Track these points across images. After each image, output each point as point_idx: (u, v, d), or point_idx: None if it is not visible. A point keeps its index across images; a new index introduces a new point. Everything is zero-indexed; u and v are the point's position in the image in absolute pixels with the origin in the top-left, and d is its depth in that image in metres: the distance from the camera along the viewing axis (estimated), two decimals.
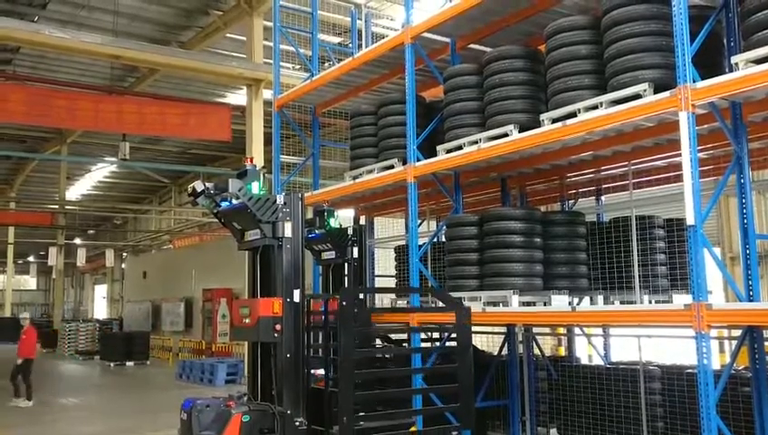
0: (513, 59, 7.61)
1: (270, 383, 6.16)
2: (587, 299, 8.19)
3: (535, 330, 9.76)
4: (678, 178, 6.73)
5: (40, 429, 11.78)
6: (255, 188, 6.30)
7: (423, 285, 8.88)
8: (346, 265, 8.37)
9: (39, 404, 14.73)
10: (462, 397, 6.15)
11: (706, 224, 5.56)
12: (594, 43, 6.76)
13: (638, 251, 7.55)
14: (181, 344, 25.91)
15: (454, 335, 6.67)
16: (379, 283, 11.31)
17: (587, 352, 11.48)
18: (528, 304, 7.65)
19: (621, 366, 8.50)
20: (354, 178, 9.62)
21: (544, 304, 7.62)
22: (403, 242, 10.73)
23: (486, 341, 11.23)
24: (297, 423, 5.92)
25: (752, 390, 6.22)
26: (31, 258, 53.46)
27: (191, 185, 6.39)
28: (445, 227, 8.82)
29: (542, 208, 9.66)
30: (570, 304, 7.65)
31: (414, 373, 8.09)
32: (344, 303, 5.64)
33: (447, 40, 8.83)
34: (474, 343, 8.73)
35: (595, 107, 6.44)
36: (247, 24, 17.81)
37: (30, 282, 59.49)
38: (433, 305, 8.81)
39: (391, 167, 8.97)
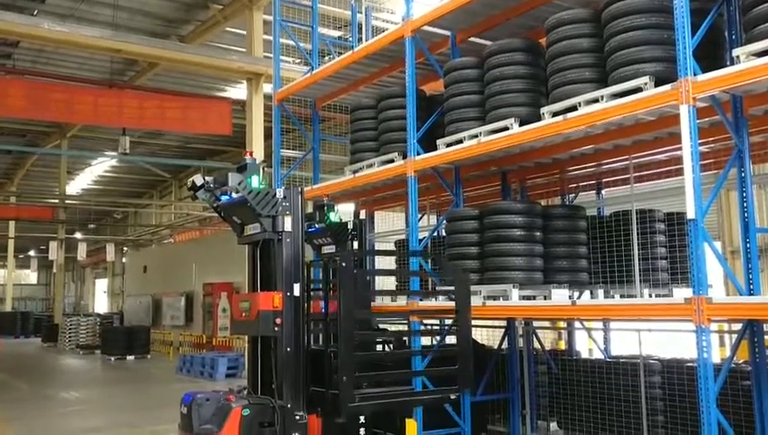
0: (514, 52, 7.59)
1: (270, 377, 6.16)
2: (587, 293, 8.21)
3: (535, 324, 9.78)
4: (679, 172, 6.71)
5: (41, 422, 11.80)
6: (255, 181, 6.28)
7: (423, 280, 8.88)
8: None
9: (41, 398, 14.77)
10: (460, 359, 6.17)
11: (707, 218, 5.55)
12: (595, 36, 6.75)
13: (638, 245, 7.56)
14: (182, 339, 25.94)
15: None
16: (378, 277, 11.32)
17: (587, 345, 11.50)
18: (528, 297, 7.66)
19: (622, 360, 8.51)
20: (354, 172, 9.61)
21: (544, 298, 7.63)
22: (403, 236, 10.74)
23: (487, 335, 11.24)
24: (297, 417, 5.92)
25: (752, 383, 6.23)
26: (31, 253, 53.44)
27: (191, 179, 6.38)
28: (445, 222, 8.82)
29: (543, 202, 9.65)
30: (570, 297, 7.65)
31: (412, 335, 8.11)
32: (344, 264, 5.65)
33: (448, 33, 8.81)
34: (474, 336, 8.75)
35: (596, 100, 6.42)
36: (247, 18, 17.76)
37: (31, 276, 59.49)
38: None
39: (391, 161, 8.96)
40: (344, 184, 9.78)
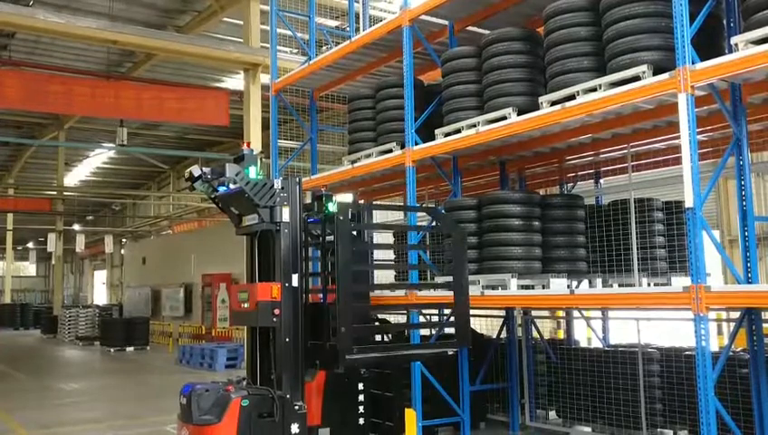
0: (512, 41, 7.57)
1: (269, 368, 6.17)
2: (586, 282, 8.22)
3: (534, 313, 9.80)
4: (677, 161, 6.73)
5: (41, 414, 11.81)
6: (253, 172, 6.26)
7: (421, 270, 8.87)
8: None
9: (40, 389, 14.80)
10: (457, 315, 6.21)
11: (705, 206, 5.55)
12: (593, 24, 6.73)
13: (636, 234, 7.56)
14: (181, 330, 25.95)
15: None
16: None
17: (586, 334, 11.53)
18: (527, 287, 7.66)
19: (620, 349, 8.53)
20: (352, 162, 9.59)
21: (543, 288, 7.63)
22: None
23: (486, 324, 11.26)
24: (296, 407, 5.93)
25: (750, 371, 6.25)
26: (30, 245, 53.41)
27: (188, 170, 6.35)
28: (443, 211, 8.81)
29: (541, 192, 9.65)
30: (568, 286, 7.67)
31: (408, 289, 8.10)
32: (341, 217, 5.64)
33: (445, 22, 8.78)
34: (473, 326, 8.74)
35: (594, 89, 6.41)
36: (244, 8, 17.67)
37: (29, 268, 59.45)
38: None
39: (389, 151, 8.94)
40: (342, 174, 9.76)
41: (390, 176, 9.76)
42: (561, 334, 12.00)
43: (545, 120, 6.80)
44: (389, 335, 9.16)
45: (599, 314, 10.15)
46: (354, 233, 6.50)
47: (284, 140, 11.71)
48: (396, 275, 10.56)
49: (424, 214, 10.50)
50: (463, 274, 6.38)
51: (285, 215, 6.26)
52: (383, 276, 11.61)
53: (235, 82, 22.07)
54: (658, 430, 7.81)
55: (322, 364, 6.13)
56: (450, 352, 6.54)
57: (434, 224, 8.45)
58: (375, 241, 11.59)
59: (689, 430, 7.57)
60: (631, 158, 7.97)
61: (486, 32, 8.16)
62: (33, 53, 20.92)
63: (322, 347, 6.05)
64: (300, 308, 6.20)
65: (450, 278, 6.51)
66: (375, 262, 8.21)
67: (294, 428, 5.88)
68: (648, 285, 7.64)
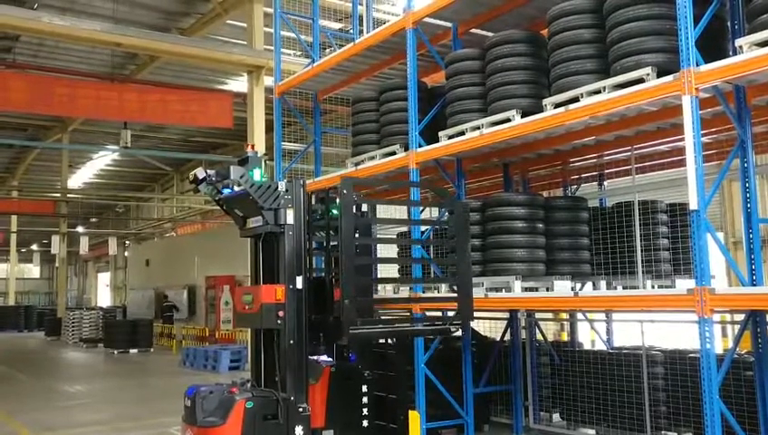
0: (516, 43, 7.58)
1: (273, 370, 6.18)
2: (589, 284, 8.22)
3: (538, 315, 9.80)
4: (681, 163, 6.72)
5: (46, 415, 11.84)
6: (257, 174, 6.27)
7: (425, 273, 8.88)
8: None
9: (44, 391, 14.82)
10: (460, 292, 6.26)
11: (709, 208, 5.55)
12: (597, 26, 6.73)
13: (640, 236, 7.55)
14: (185, 332, 25.97)
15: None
16: (381, 269, 11.33)
17: (590, 337, 11.52)
18: (530, 289, 7.66)
19: (624, 351, 8.53)
20: (356, 164, 9.61)
21: (547, 290, 7.63)
22: (406, 229, 10.73)
23: (489, 327, 11.26)
24: (300, 409, 5.94)
25: (754, 374, 6.23)
26: (34, 247, 53.57)
27: (192, 172, 6.37)
28: (447, 214, 8.81)
29: (545, 194, 9.66)
30: (572, 289, 7.66)
31: (411, 263, 8.05)
32: (344, 190, 5.68)
33: (449, 25, 8.79)
34: (476, 328, 8.75)
35: (598, 91, 6.41)
36: (247, 10, 17.70)
37: (33, 270, 59.63)
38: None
39: (393, 153, 8.95)
40: (346, 176, 9.76)
41: (394, 178, 9.76)
42: (565, 337, 12.00)
43: (549, 122, 6.80)
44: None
45: (602, 316, 10.15)
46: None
47: (288, 142, 11.73)
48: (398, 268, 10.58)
49: (427, 217, 10.51)
50: (465, 249, 6.39)
51: (290, 217, 6.26)
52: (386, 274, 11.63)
53: (238, 84, 22.11)
54: (663, 432, 7.81)
55: (326, 338, 6.15)
56: (453, 330, 6.53)
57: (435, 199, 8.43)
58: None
59: (694, 433, 7.56)
60: (635, 160, 7.97)
61: (490, 34, 8.17)
62: (37, 56, 20.98)
63: (326, 321, 6.08)
64: (304, 311, 6.21)
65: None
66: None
67: (298, 430, 5.88)
68: (652, 287, 7.64)
